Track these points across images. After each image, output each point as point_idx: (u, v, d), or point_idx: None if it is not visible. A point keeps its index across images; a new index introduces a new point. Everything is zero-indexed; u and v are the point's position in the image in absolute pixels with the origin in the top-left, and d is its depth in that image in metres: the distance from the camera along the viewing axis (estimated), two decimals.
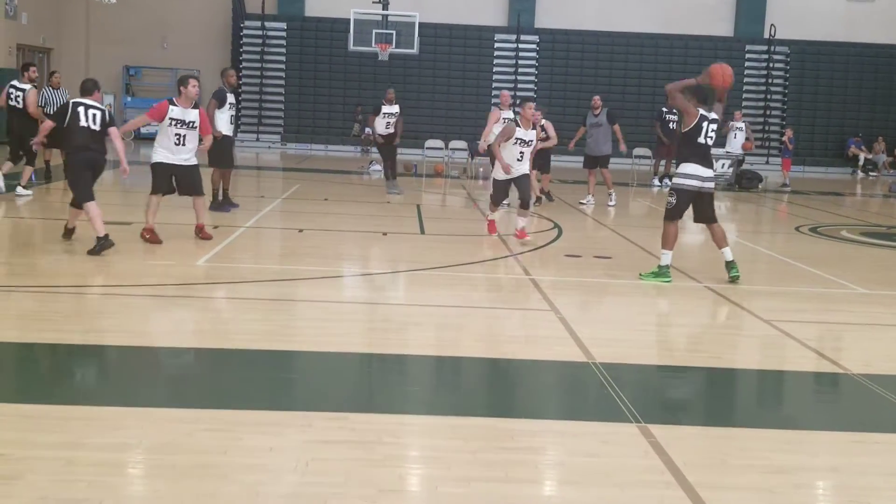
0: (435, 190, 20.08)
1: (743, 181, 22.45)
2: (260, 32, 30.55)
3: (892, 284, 10.53)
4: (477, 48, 31.00)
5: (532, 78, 30.99)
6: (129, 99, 30.97)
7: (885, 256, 12.89)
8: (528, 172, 12.32)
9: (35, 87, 15.44)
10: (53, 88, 16.58)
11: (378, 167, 22.84)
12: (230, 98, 13.66)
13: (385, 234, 12.52)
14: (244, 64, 30.54)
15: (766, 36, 31.41)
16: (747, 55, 31.47)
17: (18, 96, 15.18)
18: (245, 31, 30.53)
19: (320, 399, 5.68)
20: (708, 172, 9.79)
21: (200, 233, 11.21)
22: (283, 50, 30.82)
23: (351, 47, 27.00)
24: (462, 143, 24.12)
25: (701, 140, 9.68)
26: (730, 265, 9.98)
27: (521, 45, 30.94)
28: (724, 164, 22.01)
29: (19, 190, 14.70)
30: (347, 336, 7.19)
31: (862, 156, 30.33)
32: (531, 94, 30.86)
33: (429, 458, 4.84)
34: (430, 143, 24.40)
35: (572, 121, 28.27)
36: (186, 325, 7.46)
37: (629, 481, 4.57)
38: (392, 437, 5.05)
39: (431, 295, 8.88)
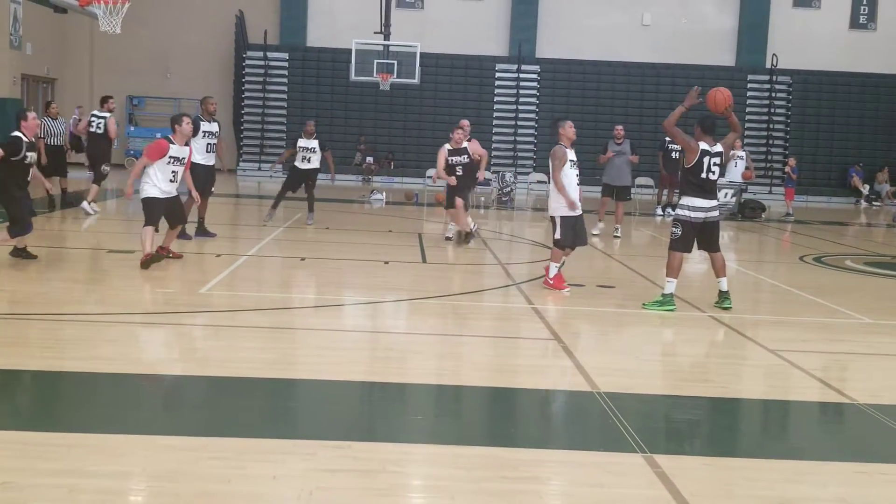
0: (436, 219, 20.10)
1: (746, 211, 22.46)
2: (262, 62, 30.69)
3: None
4: (478, 78, 31.12)
5: (533, 108, 31.08)
6: (132, 128, 31.07)
7: (889, 286, 12.86)
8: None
9: (112, 115, 17.43)
10: (52, 118, 17.66)
11: (380, 196, 22.88)
12: (205, 126, 13.57)
13: (387, 262, 12.51)
14: (246, 94, 30.65)
15: (768, 65, 31.52)
16: (749, 85, 31.57)
17: (99, 123, 17.23)
18: (247, 62, 30.66)
19: (323, 427, 5.65)
20: (711, 202, 9.79)
21: (171, 254, 11.49)
22: (286, 80, 30.93)
23: (353, 77, 27.10)
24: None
25: (703, 176, 9.70)
26: (723, 295, 9.97)
27: (522, 75, 31.06)
28: (726, 194, 22.03)
29: (84, 205, 16.42)
30: (350, 364, 7.17)
31: (865, 187, 30.31)
32: (532, 123, 30.97)
33: (432, 488, 4.80)
34: (431, 172, 24.41)
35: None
36: (189, 353, 7.44)
37: None
38: (395, 466, 5.02)
39: (434, 324, 8.86)
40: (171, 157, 11.06)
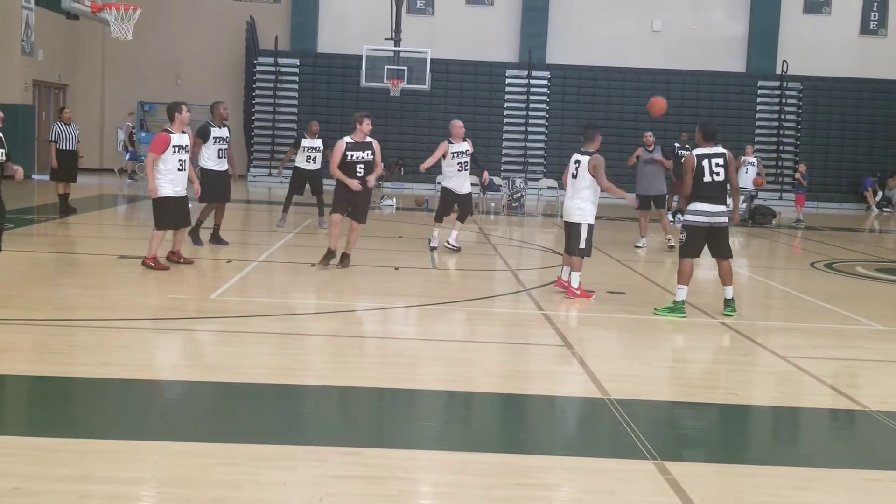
0: (445, 224, 20.05)
1: (757, 217, 22.41)
2: (273, 68, 30.77)
3: None
4: (488, 84, 31.15)
5: (543, 113, 31.09)
6: (143, 134, 31.12)
7: None
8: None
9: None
10: (65, 123, 17.73)
11: (390, 201, 22.89)
12: (216, 132, 13.56)
13: (397, 268, 12.52)
14: (257, 100, 30.74)
15: (779, 72, 31.47)
16: (759, 91, 31.54)
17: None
18: (258, 68, 30.75)
19: (334, 434, 5.66)
20: (718, 208, 9.69)
21: (182, 259, 11.51)
22: (296, 86, 31.01)
23: (363, 83, 27.16)
24: (473, 178, 24.11)
25: (707, 179, 9.62)
26: (728, 303, 9.93)
27: (532, 81, 31.08)
28: None
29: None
30: (360, 370, 7.18)
31: (879, 194, 30.18)
32: (542, 129, 30.97)
33: (442, 494, 4.80)
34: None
35: None
36: (200, 358, 7.45)
37: None
38: (405, 472, 5.02)
39: (444, 330, 8.86)
40: (174, 146, 11.10)
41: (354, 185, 11.59)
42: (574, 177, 10.78)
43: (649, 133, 17.12)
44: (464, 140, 14.10)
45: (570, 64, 31.33)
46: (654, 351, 8.60)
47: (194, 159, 12.74)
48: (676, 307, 9.78)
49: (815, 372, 7.65)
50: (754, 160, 22.45)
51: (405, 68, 26.89)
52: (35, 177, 26.09)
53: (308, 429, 5.81)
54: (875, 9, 32.05)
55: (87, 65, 31.36)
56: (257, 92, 30.76)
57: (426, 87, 27.38)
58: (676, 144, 21.64)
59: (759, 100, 31.48)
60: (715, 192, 9.67)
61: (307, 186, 16.63)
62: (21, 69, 26.53)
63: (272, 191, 27.48)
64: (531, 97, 31.09)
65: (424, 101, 30.28)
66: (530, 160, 30.79)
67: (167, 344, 7.92)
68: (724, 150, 9.80)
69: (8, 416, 5.86)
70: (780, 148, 31.44)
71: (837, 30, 31.92)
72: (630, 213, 17.07)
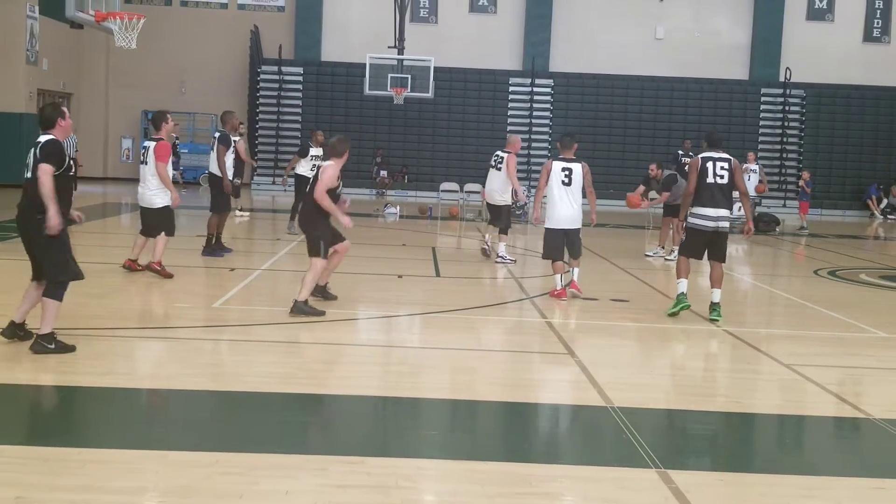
0: (450, 233, 20.10)
1: (760, 224, 22.37)
2: (277, 77, 30.82)
3: None
4: (492, 92, 31.18)
5: (547, 121, 31.11)
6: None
7: None
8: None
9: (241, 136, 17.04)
10: None
11: (394, 210, 22.91)
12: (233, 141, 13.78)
13: (400, 276, 12.51)
14: (261, 108, 30.79)
15: (782, 79, 31.47)
16: (763, 98, 31.54)
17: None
18: (262, 76, 30.80)
19: (336, 443, 5.65)
20: (720, 212, 9.81)
21: (162, 271, 11.26)
22: (300, 94, 31.06)
23: (367, 91, 27.20)
24: (477, 186, 24.13)
25: (710, 180, 9.77)
26: (714, 307, 9.98)
27: (535, 89, 31.11)
28: (739, 207, 21.93)
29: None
30: (363, 379, 7.17)
31: (883, 202, 30.11)
32: (546, 137, 30.98)
33: None
34: (445, 185, 24.44)
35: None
36: (202, 367, 7.44)
37: None
38: (409, 481, 5.01)
39: (447, 338, 8.85)
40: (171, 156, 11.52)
41: (347, 222, 9.74)
42: (567, 184, 10.95)
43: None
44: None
45: (573, 72, 31.37)
46: (658, 359, 8.59)
47: (222, 168, 12.97)
48: (679, 299, 9.97)
49: (819, 380, 7.63)
50: (756, 167, 22.44)
51: (409, 76, 26.91)
52: None
53: (310, 438, 5.81)
54: (878, 16, 32.05)
55: (92, 74, 31.44)
56: (261, 100, 30.81)
57: (430, 95, 27.41)
58: (680, 152, 21.68)
59: (762, 107, 31.48)
60: (718, 195, 9.74)
61: None
62: (26, 78, 26.60)
63: (276, 199, 27.52)
64: (534, 105, 31.11)
65: (428, 109, 30.31)
66: (534, 168, 30.78)
67: (170, 353, 7.92)
68: (730, 157, 9.94)
69: (10, 425, 5.85)
70: (784, 155, 31.42)
71: (840, 37, 31.92)
72: (634, 221, 17.06)
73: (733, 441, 6.34)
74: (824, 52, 31.64)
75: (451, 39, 30.99)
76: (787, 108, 31.45)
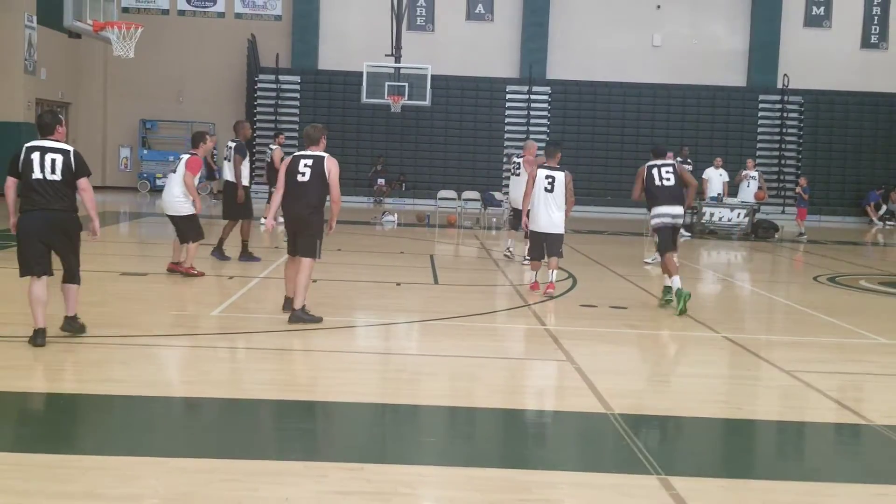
0: (448, 240, 20.10)
1: (759, 231, 22.37)
2: (274, 86, 30.83)
3: None
4: (489, 99, 31.20)
5: (544, 129, 31.11)
6: (145, 151, 31.26)
7: None
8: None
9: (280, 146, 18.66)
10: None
11: (391, 217, 22.90)
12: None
13: (399, 284, 12.50)
14: (258, 117, 30.78)
15: (780, 86, 31.49)
16: (760, 105, 31.56)
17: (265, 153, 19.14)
18: (259, 85, 30.81)
19: (335, 449, 5.63)
20: (675, 209, 11.08)
21: (196, 273, 12.01)
22: (297, 103, 31.07)
23: (364, 100, 27.23)
24: (475, 194, 24.17)
25: (658, 183, 11.10)
26: (667, 290, 10.93)
27: (532, 96, 31.13)
28: (739, 214, 21.99)
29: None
30: (362, 386, 7.15)
31: (882, 208, 30.11)
32: (543, 145, 30.94)
33: None
34: (442, 193, 24.46)
35: (583, 171, 28.47)
36: (201, 374, 7.42)
37: None
38: (408, 488, 4.99)
39: (446, 345, 8.83)
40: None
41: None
42: (549, 191, 11.83)
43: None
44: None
45: (570, 79, 31.39)
46: (657, 366, 8.57)
47: (237, 176, 13.53)
48: (679, 294, 10.48)
49: (820, 386, 7.61)
50: (756, 174, 22.42)
51: (406, 84, 26.96)
52: None
53: (310, 444, 5.79)
54: (876, 22, 32.12)
55: (90, 83, 31.44)
56: (258, 109, 30.81)
57: (427, 102, 27.44)
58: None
59: (760, 114, 31.50)
60: (668, 195, 11.08)
61: None
62: (24, 88, 26.60)
63: None
64: (532, 112, 31.13)
65: (425, 117, 30.34)
66: None
67: (168, 360, 7.91)
68: (673, 161, 11.60)
69: (10, 432, 5.84)
70: (782, 162, 31.43)
71: (838, 43, 31.97)
72: (632, 228, 17.08)
73: (734, 447, 6.33)
74: (822, 59, 31.67)
75: (447, 47, 31.02)
76: (785, 114, 31.48)
